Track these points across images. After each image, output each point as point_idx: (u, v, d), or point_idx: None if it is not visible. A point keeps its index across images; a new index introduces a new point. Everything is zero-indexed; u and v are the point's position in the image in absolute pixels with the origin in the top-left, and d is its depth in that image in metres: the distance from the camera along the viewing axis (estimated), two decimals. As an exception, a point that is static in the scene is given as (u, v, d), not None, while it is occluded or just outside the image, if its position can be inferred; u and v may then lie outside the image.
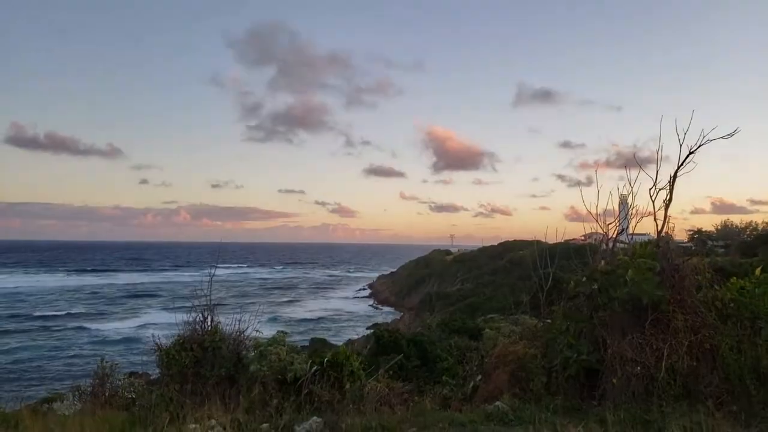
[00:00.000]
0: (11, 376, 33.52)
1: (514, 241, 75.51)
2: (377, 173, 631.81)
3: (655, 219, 6.94)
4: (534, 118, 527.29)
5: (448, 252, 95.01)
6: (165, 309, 62.57)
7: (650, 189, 6.90)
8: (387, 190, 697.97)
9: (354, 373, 6.88)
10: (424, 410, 6.13)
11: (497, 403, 5.95)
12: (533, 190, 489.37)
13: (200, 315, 7.37)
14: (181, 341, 7.05)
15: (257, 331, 7.55)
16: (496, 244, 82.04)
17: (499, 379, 6.97)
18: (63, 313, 58.67)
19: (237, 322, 7.39)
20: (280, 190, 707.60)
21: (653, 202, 6.93)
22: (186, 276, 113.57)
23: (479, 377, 7.22)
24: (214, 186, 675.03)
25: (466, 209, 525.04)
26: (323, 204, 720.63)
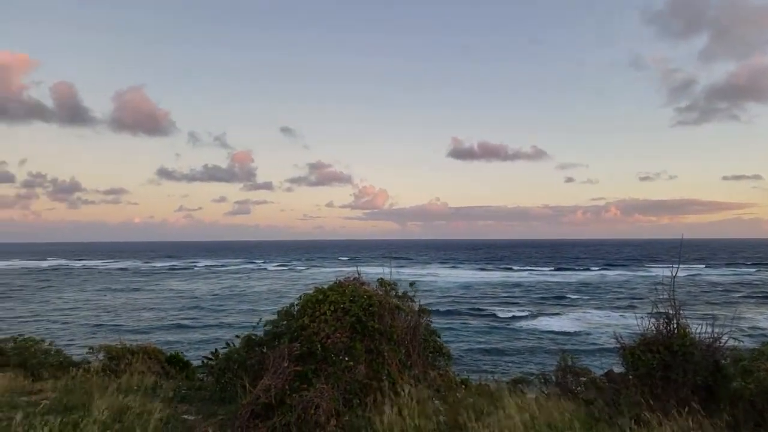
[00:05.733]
0: (478, 363, 39.73)
1: None
2: None
3: None
4: None
5: None
6: (598, 308, 62.80)
7: None
8: None
9: None
10: None
11: None
12: None
13: (664, 316, 6.94)
14: (645, 341, 6.78)
15: (735, 339, 6.59)
16: None
17: None
18: (503, 309, 65.68)
19: (710, 328, 6.62)
20: (725, 177, 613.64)
21: None
22: (615, 275, 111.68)
23: None
24: (642, 179, 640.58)
25: None
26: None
